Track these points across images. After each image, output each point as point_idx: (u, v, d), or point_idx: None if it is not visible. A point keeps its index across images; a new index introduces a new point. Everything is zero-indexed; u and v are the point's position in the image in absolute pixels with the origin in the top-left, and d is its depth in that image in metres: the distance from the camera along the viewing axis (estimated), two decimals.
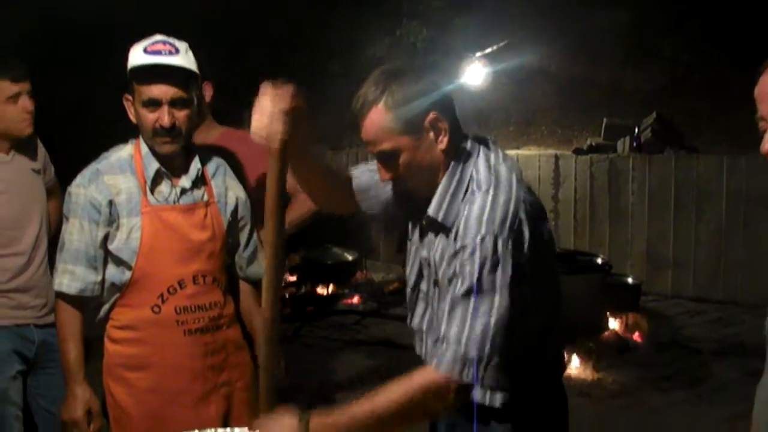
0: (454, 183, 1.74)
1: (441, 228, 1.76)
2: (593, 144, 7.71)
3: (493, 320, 1.60)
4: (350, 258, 7.40)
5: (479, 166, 1.74)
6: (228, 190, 2.43)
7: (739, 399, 4.77)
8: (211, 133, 2.81)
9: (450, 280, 1.67)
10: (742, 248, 6.74)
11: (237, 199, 2.44)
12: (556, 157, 7.54)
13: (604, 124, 7.90)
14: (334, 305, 6.90)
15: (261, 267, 2.52)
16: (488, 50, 7.72)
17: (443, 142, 1.73)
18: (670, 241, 7.07)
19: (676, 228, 7.03)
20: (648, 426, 4.40)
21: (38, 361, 2.81)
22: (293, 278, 7.20)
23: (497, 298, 1.60)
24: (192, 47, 2.26)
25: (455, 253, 1.66)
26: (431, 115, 1.71)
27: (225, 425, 2.27)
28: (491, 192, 1.67)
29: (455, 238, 1.69)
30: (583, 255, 6.21)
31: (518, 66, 8.13)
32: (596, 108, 8.44)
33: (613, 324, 5.79)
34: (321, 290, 7.12)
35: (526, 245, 1.64)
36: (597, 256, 6.08)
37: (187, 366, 2.30)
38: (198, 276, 2.30)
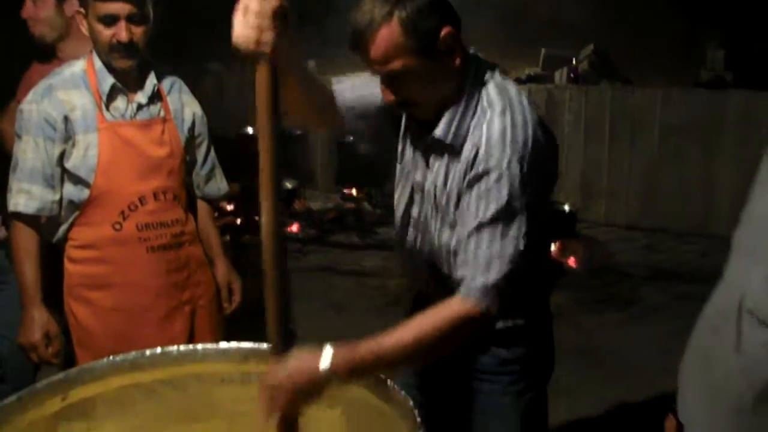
0: (463, 104, 1.66)
1: (448, 150, 1.69)
2: (531, 74, 7.79)
3: (521, 244, 1.57)
4: (289, 186, 7.37)
5: (488, 86, 1.66)
6: (184, 107, 2.39)
7: (668, 320, 5.02)
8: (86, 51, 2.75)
9: (473, 205, 1.60)
10: (673, 178, 6.98)
11: (194, 115, 2.41)
12: None
13: (542, 55, 7.97)
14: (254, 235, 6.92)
15: (218, 185, 2.52)
16: None
17: (455, 61, 1.63)
18: (604, 170, 7.27)
19: (610, 158, 7.22)
20: (583, 346, 4.57)
21: None
22: (231, 207, 7.15)
23: (524, 221, 1.57)
24: None
25: (478, 177, 1.59)
26: (445, 31, 1.59)
27: (189, 342, 2.27)
28: (508, 113, 1.61)
29: (473, 163, 1.62)
30: None
31: None
32: (535, 39, 8.48)
33: (552, 249, 5.96)
34: (258, 218, 7.09)
35: (543, 169, 1.62)
36: None
37: (150, 284, 2.29)
38: (159, 193, 2.28)
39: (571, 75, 7.41)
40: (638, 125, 7.05)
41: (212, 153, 2.48)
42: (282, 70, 1.49)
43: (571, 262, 5.96)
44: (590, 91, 7.25)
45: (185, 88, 2.43)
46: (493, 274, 1.55)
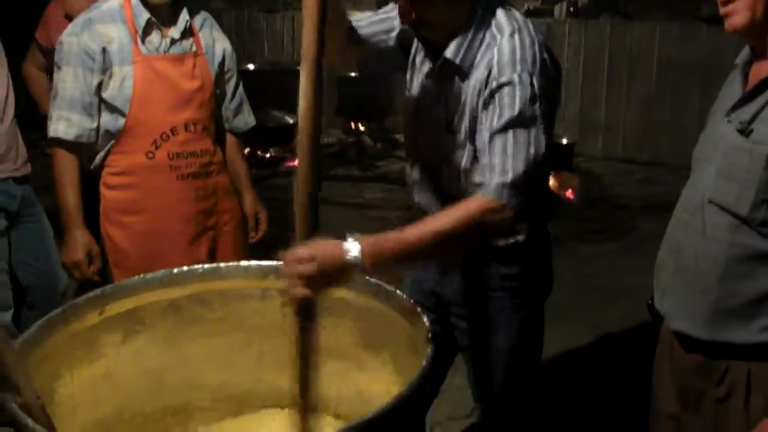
0: (473, 28, 1.76)
1: (458, 72, 1.79)
2: (531, 8, 7.79)
3: (532, 150, 1.65)
4: (291, 121, 7.42)
5: (497, 13, 1.77)
6: (215, 42, 2.50)
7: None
8: None
9: (488, 118, 1.70)
10: (669, 113, 7.09)
11: (224, 50, 2.52)
12: None
13: None
14: (277, 167, 7.01)
15: (246, 119, 2.64)
16: None
17: None
18: (601, 104, 7.36)
19: (608, 92, 7.31)
20: (579, 273, 4.76)
21: (19, 216, 2.86)
22: None
23: (534, 130, 1.65)
24: None
25: (493, 92, 1.69)
26: None
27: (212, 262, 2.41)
28: (517, 35, 1.72)
29: (487, 80, 1.72)
30: None
31: None
32: None
33: (550, 181, 6.10)
34: (262, 153, 7.19)
35: (550, 86, 1.73)
36: None
37: (180, 209, 2.43)
38: (189, 124, 2.40)
39: (571, 9, 7.42)
40: (636, 60, 7.11)
41: (240, 88, 2.60)
42: None
43: (569, 194, 6.10)
44: (589, 25, 7.28)
45: (216, 25, 2.53)
46: (509, 175, 1.62)
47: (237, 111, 2.61)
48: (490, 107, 1.70)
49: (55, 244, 2.92)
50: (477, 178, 1.72)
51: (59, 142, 2.36)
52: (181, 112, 2.38)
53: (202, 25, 2.47)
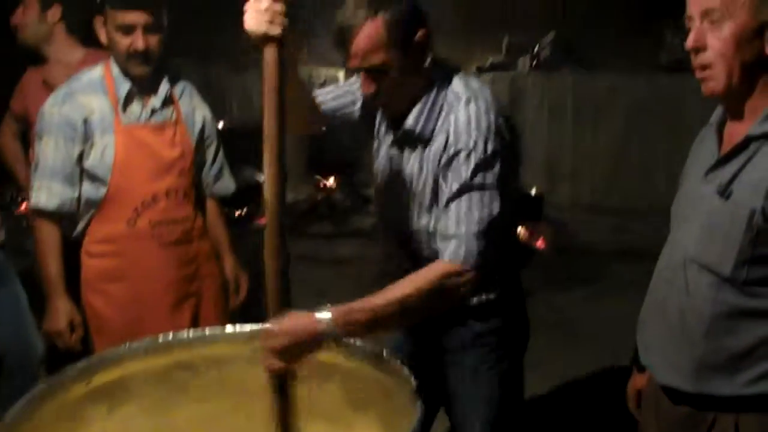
0: (432, 98, 1.84)
1: (419, 140, 1.87)
2: (495, 62, 7.97)
3: (486, 214, 1.73)
4: (261, 180, 7.44)
5: (453, 81, 1.86)
6: (195, 110, 2.55)
7: (636, 296, 5.22)
8: (73, 54, 2.95)
9: (443, 183, 1.79)
10: (636, 159, 7.25)
11: (204, 118, 2.57)
12: None
13: (505, 43, 8.15)
14: (249, 226, 7.01)
15: (227, 184, 2.68)
16: None
17: (427, 59, 1.83)
18: (569, 154, 7.51)
19: (574, 141, 7.47)
20: (553, 323, 4.76)
21: None
22: None
23: (488, 194, 1.74)
24: None
25: (449, 160, 1.78)
26: (421, 32, 1.79)
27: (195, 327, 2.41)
28: (472, 103, 1.80)
29: (444, 148, 1.80)
30: None
31: None
32: (493, 26, 8.67)
33: (520, 232, 6.18)
34: (235, 213, 7.18)
35: (505, 151, 1.80)
36: None
37: (162, 276, 2.45)
38: (170, 191, 2.43)
39: (534, 62, 7.62)
40: (601, 108, 7.29)
41: (221, 153, 2.64)
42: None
43: (539, 243, 6.18)
44: (552, 77, 7.48)
45: (195, 92, 2.59)
46: (464, 239, 1.71)
47: (218, 177, 2.65)
48: (448, 174, 1.78)
49: (29, 311, 2.90)
50: (438, 244, 1.79)
51: (41, 212, 2.38)
52: (161, 180, 2.41)
53: (182, 93, 2.52)
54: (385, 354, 1.78)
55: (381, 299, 1.68)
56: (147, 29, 2.28)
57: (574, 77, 7.41)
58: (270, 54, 1.63)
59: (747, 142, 1.52)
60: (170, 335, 1.95)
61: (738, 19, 1.46)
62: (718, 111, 1.66)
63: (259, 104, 1.69)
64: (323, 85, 8.34)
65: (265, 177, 1.67)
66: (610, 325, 4.70)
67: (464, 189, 1.74)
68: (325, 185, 7.78)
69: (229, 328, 2.00)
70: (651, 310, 1.77)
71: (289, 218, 6.60)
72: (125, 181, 2.36)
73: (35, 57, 3.10)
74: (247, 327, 1.97)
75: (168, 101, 2.46)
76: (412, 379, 1.65)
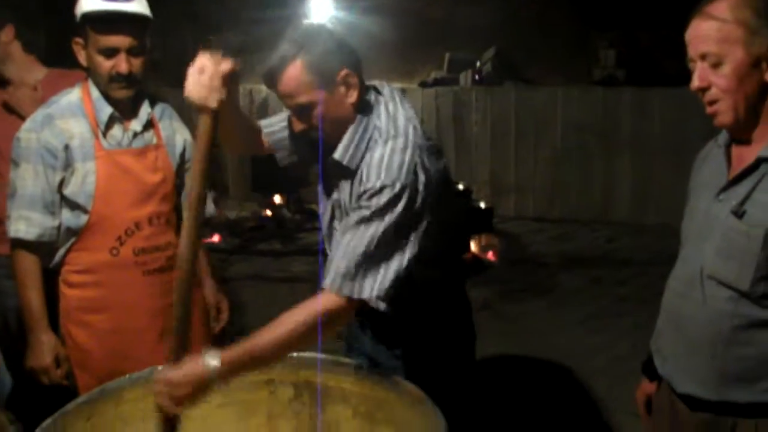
0: (359, 132, 1.90)
1: (346, 171, 1.93)
2: (437, 77, 8.07)
3: (373, 244, 1.77)
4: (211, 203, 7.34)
5: (381, 116, 1.91)
6: (175, 133, 2.47)
7: (586, 303, 5.41)
8: (34, 73, 2.86)
9: (349, 215, 1.85)
10: (575, 171, 7.45)
11: (185, 141, 2.49)
12: (403, 90, 7.76)
13: (447, 58, 8.27)
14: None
15: (206, 207, 2.61)
16: None
17: (353, 95, 1.88)
18: (511, 166, 7.65)
19: (517, 154, 7.62)
20: (511, 333, 4.86)
21: None
22: None
23: (381, 229, 1.77)
24: None
25: (359, 196, 1.83)
26: (343, 72, 1.85)
27: None
28: (390, 142, 1.85)
29: (360, 183, 1.86)
30: None
31: (353, 2, 8.27)
32: (434, 42, 8.78)
33: (472, 245, 6.26)
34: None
35: (421, 186, 1.83)
36: (458, 183, 6.50)
37: (147, 305, 2.36)
38: (153, 217, 2.35)
39: (476, 77, 7.75)
40: (542, 122, 7.48)
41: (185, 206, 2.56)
42: (221, 112, 1.78)
43: (490, 255, 6.28)
44: (494, 91, 7.62)
45: (175, 115, 2.51)
46: (350, 266, 1.76)
47: None
48: (354, 208, 1.84)
49: None
50: (326, 271, 1.83)
51: (20, 243, 2.26)
52: (144, 206, 2.33)
53: (161, 116, 2.44)
54: (401, 381, 1.85)
55: (264, 339, 1.76)
56: (130, 52, 2.22)
57: (516, 92, 7.57)
58: (204, 123, 1.75)
59: (758, 163, 1.61)
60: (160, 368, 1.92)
61: (734, 56, 1.56)
62: (724, 133, 1.73)
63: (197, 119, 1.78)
64: (265, 101, 8.30)
65: (182, 236, 1.79)
66: (564, 335, 4.82)
67: (360, 223, 1.79)
68: (271, 202, 7.73)
69: None
70: (666, 322, 1.83)
71: (237, 237, 6.53)
72: (107, 208, 2.27)
73: None
74: None
75: (149, 125, 2.38)
76: (427, 398, 1.73)
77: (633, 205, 7.32)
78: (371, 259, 1.77)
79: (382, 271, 1.78)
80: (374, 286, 1.77)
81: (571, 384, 4.13)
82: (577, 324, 5.02)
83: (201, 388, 1.75)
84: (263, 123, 2.15)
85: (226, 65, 1.74)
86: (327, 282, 1.78)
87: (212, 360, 1.73)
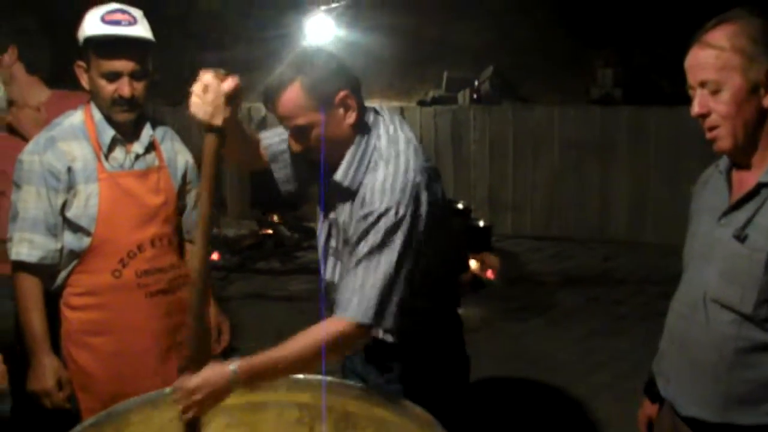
0: (359, 153, 1.92)
1: (347, 192, 1.94)
2: (436, 96, 8.12)
3: (391, 272, 1.80)
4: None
5: (381, 138, 1.93)
6: (177, 155, 2.48)
7: (584, 321, 5.43)
8: (37, 95, 2.87)
9: (357, 241, 1.85)
10: (573, 189, 7.48)
11: (186, 162, 2.50)
12: (401, 109, 7.89)
13: (445, 77, 8.33)
14: None
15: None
16: (333, 5, 7.86)
17: (351, 117, 1.91)
18: (509, 184, 7.68)
19: (514, 173, 7.65)
20: (511, 352, 4.88)
21: None
22: None
23: (395, 256, 1.80)
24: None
25: (363, 218, 1.84)
26: (342, 93, 1.87)
27: None
28: (392, 164, 1.87)
29: (362, 205, 1.87)
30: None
31: (353, 22, 8.34)
32: (432, 61, 8.85)
33: (471, 264, 6.27)
34: None
35: (422, 208, 1.86)
36: (457, 202, 6.52)
37: (150, 327, 2.36)
38: (155, 239, 2.35)
39: (474, 96, 7.79)
40: (539, 141, 7.51)
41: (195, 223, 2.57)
42: (228, 131, 1.81)
43: (489, 274, 6.29)
44: (493, 110, 7.66)
45: (176, 137, 2.52)
46: (366, 295, 1.79)
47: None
48: (359, 232, 1.85)
49: None
50: (338, 296, 1.86)
51: (22, 266, 2.26)
52: (147, 228, 2.33)
53: (163, 138, 2.45)
54: (410, 404, 1.86)
55: (282, 353, 1.79)
56: (133, 76, 2.22)
57: (513, 110, 7.61)
58: (209, 142, 1.77)
59: (758, 188, 1.63)
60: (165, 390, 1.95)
61: (732, 83, 1.59)
62: (725, 159, 1.75)
63: (198, 140, 1.83)
64: (263, 120, 8.31)
65: (193, 253, 1.85)
66: (564, 353, 4.83)
67: (372, 251, 1.81)
68: (269, 220, 7.73)
69: None
70: (670, 344, 1.84)
71: (236, 255, 6.55)
72: (110, 231, 2.28)
73: None
74: None
75: (150, 147, 2.39)
76: (436, 423, 1.74)
77: (630, 223, 7.35)
78: (385, 288, 1.79)
79: (394, 298, 1.81)
80: (389, 317, 1.81)
81: (571, 403, 4.13)
82: (576, 342, 5.03)
83: (219, 392, 1.79)
84: (262, 135, 2.16)
85: (230, 83, 1.75)
86: (343, 308, 1.80)
87: (230, 366, 1.77)
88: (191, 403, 1.79)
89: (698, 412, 1.72)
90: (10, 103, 2.86)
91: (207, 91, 1.74)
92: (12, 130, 2.81)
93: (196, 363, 1.83)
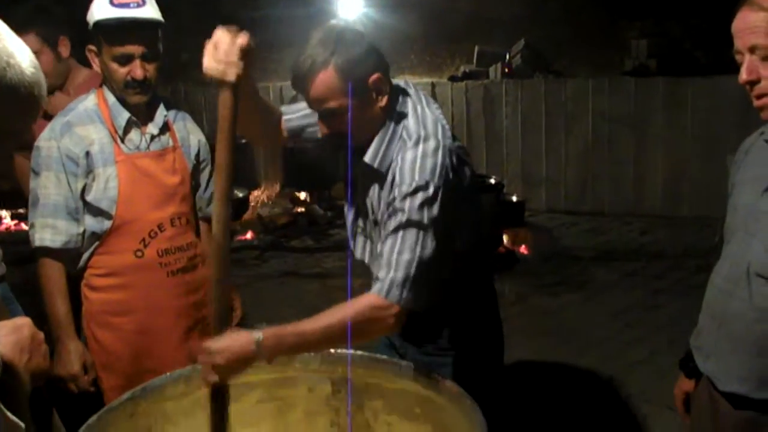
0: (389, 135, 1.91)
1: (375, 174, 1.93)
2: (467, 71, 8.02)
3: (418, 253, 1.78)
4: (240, 195, 7.40)
5: (409, 119, 1.92)
6: (190, 135, 2.50)
7: (619, 296, 5.34)
8: (80, 75, 2.93)
9: (386, 221, 1.84)
10: (607, 163, 7.35)
11: (199, 142, 2.52)
12: (433, 85, 7.82)
13: (476, 52, 8.22)
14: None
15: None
16: None
17: (383, 100, 1.89)
18: (542, 159, 7.57)
19: (547, 147, 7.53)
20: (545, 328, 4.84)
21: None
22: None
23: (424, 235, 1.78)
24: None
25: (392, 199, 1.83)
26: (374, 77, 1.85)
27: None
28: (421, 144, 1.85)
29: (392, 185, 1.87)
30: (477, 176, 6.56)
31: None
32: (463, 36, 8.74)
33: (504, 239, 6.21)
34: None
35: (451, 186, 1.84)
36: (489, 177, 6.45)
37: (172, 306, 2.39)
38: (174, 218, 2.38)
39: (506, 70, 7.68)
40: (572, 115, 7.38)
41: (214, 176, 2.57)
42: (243, 96, 1.78)
43: (523, 249, 6.22)
44: (525, 84, 7.54)
45: (188, 117, 2.53)
46: (395, 274, 1.77)
47: (211, 199, 2.58)
48: (389, 210, 1.84)
49: None
50: (374, 274, 1.84)
51: (46, 251, 2.28)
52: (166, 207, 2.35)
53: (175, 118, 2.47)
54: (445, 380, 1.85)
55: (310, 325, 1.76)
56: (144, 58, 2.23)
57: (546, 84, 7.48)
58: (224, 97, 1.74)
59: None
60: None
61: None
62: None
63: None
64: (294, 98, 8.31)
65: (214, 205, 1.79)
66: (600, 328, 4.77)
67: (401, 227, 1.79)
68: (303, 199, 7.74)
69: None
70: (709, 319, 1.78)
71: (270, 234, 6.56)
72: (131, 211, 2.30)
73: None
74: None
75: (165, 128, 2.40)
76: (470, 400, 1.73)
77: (666, 197, 7.20)
78: (415, 268, 1.77)
79: (423, 277, 1.78)
80: (418, 295, 1.78)
81: (607, 378, 4.08)
82: (611, 318, 4.96)
83: (242, 358, 1.75)
84: (284, 109, 2.14)
85: (243, 39, 1.73)
86: (377, 287, 1.78)
87: (257, 336, 1.73)
88: (213, 366, 1.75)
89: (738, 387, 1.67)
90: (51, 91, 2.86)
91: (219, 47, 1.72)
92: (45, 115, 2.81)
93: (218, 329, 1.80)
